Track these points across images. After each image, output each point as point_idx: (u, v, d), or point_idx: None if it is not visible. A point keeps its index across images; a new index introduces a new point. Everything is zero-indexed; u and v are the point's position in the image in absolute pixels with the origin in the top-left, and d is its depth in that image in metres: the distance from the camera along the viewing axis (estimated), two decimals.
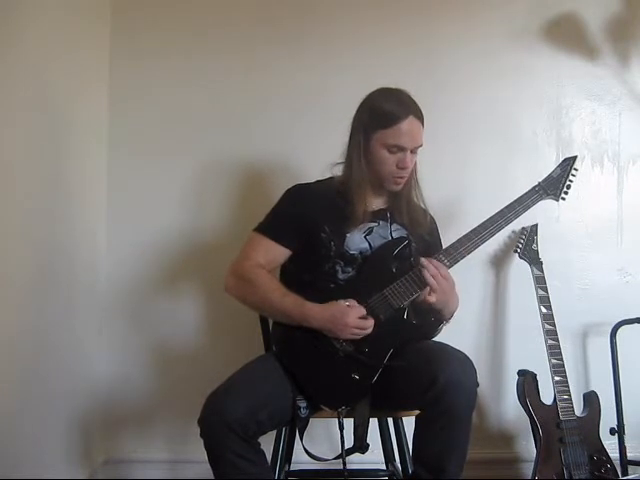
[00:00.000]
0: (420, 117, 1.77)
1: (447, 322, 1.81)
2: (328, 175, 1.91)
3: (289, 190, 1.89)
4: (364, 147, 1.77)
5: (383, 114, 1.75)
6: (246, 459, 1.53)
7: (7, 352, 1.77)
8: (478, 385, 1.60)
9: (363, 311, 1.70)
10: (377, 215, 1.85)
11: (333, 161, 1.88)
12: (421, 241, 1.86)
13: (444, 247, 1.81)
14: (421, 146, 1.80)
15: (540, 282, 2.24)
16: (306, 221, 1.80)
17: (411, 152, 1.77)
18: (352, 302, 1.70)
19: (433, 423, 1.58)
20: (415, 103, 1.78)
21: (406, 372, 1.64)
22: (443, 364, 1.56)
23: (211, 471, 1.58)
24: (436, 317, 1.77)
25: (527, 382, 2.12)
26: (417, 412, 1.67)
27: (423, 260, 1.71)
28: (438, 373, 1.54)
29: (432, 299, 1.68)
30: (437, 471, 1.60)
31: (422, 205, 1.90)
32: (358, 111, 1.83)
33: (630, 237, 2.43)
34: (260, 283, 1.76)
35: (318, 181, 1.91)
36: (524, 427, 2.22)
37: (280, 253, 1.83)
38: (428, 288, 1.69)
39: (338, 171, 1.88)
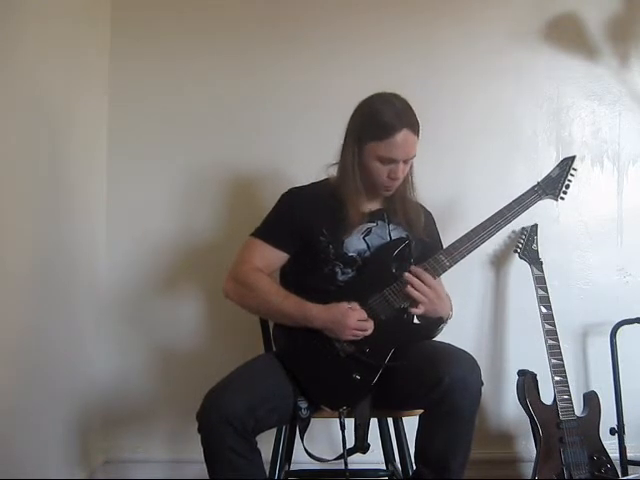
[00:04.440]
0: (414, 129, 1.73)
1: (445, 323, 1.81)
2: (324, 176, 1.91)
3: (284, 194, 1.89)
4: (358, 157, 1.77)
5: (378, 125, 1.72)
6: (242, 456, 1.53)
7: (7, 352, 1.77)
8: (483, 384, 1.60)
9: (364, 314, 1.70)
10: (374, 216, 1.85)
11: (332, 161, 1.87)
12: (420, 242, 1.86)
13: (444, 247, 1.81)
14: (414, 157, 1.78)
15: (540, 282, 2.24)
16: (303, 224, 1.81)
17: (404, 162, 1.76)
18: (354, 305, 1.70)
19: (437, 422, 1.59)
20: (410, 112, 1.74)
21: (410, 372, 1.64)
22: (449, 364, 1.57)
23: None
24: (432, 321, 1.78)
25: (527, 382, 2.12)
26: (419, 412, 1.68)
27: (405, 274, 1.71)
28: (444, 373, 1.54)
29: (419, 311, 1.70)
30: (440, 470, 1.60)
31: (416, 201, 1.89)
32: (353, 117, 1.81)
33: (630, 237, 2.43)
34: (260, 287, 1.76)
35: (313, 183, 1.92)
36: (524, 427, 2.22)
37: (277, 257, 1.83)
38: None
39: (333, 171, 1.88)
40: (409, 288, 1.70)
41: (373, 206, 1.87)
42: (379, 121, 1.72)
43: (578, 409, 2.16)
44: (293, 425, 1.77)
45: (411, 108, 1.75)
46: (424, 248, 1.86)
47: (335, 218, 1.79)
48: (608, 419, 2.18)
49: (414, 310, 1.70)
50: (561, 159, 1.93)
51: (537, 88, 2.44)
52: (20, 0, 1.82)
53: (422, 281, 1.70)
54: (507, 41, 2.42)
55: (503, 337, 2.41)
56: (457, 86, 2.41)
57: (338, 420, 1.67)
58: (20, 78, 1.81)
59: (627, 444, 2.18)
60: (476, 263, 2.37)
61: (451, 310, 1.82)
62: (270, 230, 1.84)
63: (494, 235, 1.80)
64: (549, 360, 2.14)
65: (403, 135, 1.71)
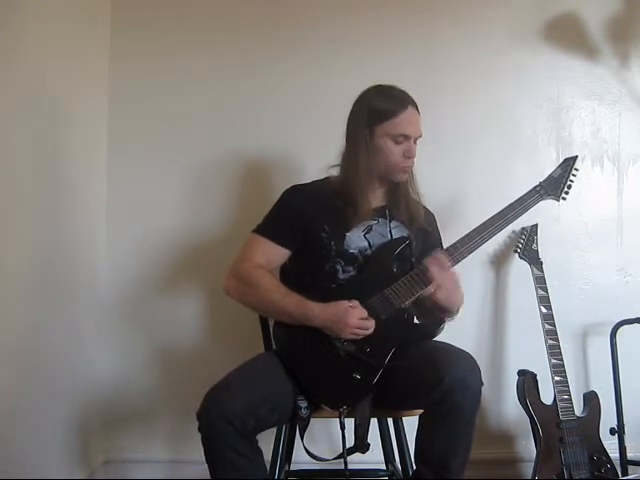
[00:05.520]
0: (417, 107, 1.81)
1: (452, 318, 1.80)
2: (324, 175, 1.91)
3: (286, 191, 1.90)
4: (370, 142, 1.78)
5: (384, 107, 1.77)
6: (242, 456, 1.53)
7: (7, 352, 1.77)
8: (483, 384, 1.60)
9: (365, 313, 1.70)
10: (376, 212, 1.85)
11: (332, 160, 1.88)
12: (421, 233, 1.87)
13: (445, 247, 1.82)
14: (421, 136, 1.81)
15: (540, 282, 2.24)
16: (305, 221, 1.81)
17: (414, 142, 1.80)
18: (355, 303, 1.70)
19: (438, 422, 1.59)
20: (409, 95, 1.81)
21: (410, 372, 1.64)
22: (449, 364, 1.57)
23: None
24: (441, 314, 1.77)
25: (527, 382, 2.12)
26: (419, 412, 1.68)
27: (429, 259, 1.73)
28: (444, 373, 1.54)
29: (438, 295, 1.70)
30: (441, 470, 1.60)
31: (418, 199, 1.90)
32: (354, 112, 1.83)
33: (630, 237, 2.43)
34: (261, 284, 1.76)
35: (314, 181, 1.92)
36: (524, 427, 2.22)
37: (279, 254, 1.83)
38: (433, 285, 1.70)
39: (334, 172, 1.88)
40: (431, 269, 1.70)
41: (376, 202, 1.87)
42: (384, 103, 1.78)
43: (578, 409, 2.16)
44: (293, 425, 1.77)
45: (407, 92, 1.82)
46: (425, 244, 1.87)
47: (337, 215, 1.80)
48: (608, 419, 2.18)
49: (434, 293, 1.69)
50: (563, 159, 1.93)
51: (537, 88, 2.44)
52: (20, 0, 1.82)
53: (442, 267, 1.71)
54: (507, 41, 2.42)
55: (503, 337, 2.41)
56: (457, 86, 2.40)
57: (338, 420, 1.67)
58: (20, 78, 1.81)
59: (627, 444, 2.18)
60: (476, 263, 2.37)
61: (462, 303, 1.81)
62: (272, 227, 1.84)
63: (495, 235, 1.80)
64: (549, 360, 2.14)
65: (410, 112, 1.78)
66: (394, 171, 1.82)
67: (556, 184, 1.87)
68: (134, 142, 2.40)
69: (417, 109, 1.81)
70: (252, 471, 1.56)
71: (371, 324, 1.69)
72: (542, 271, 2.26)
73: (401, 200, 1.86)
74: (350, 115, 1.84)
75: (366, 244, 1.80)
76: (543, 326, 2.18)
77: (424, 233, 1.88)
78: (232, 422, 1.50)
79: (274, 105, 2.39)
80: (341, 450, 1.68)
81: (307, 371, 1.69)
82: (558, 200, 1.88)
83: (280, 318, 1.78)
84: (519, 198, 1.83)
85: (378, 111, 1.77)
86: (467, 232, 1.78)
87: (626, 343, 2.28)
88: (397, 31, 2.40)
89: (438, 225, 2.00)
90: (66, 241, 2.12)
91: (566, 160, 1.91)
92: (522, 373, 2.16)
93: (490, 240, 1.80)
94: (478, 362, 1.61)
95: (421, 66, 2.39)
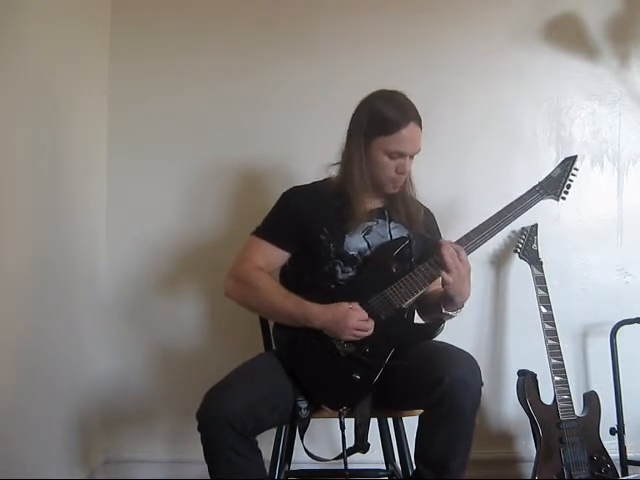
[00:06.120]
0: (419, 122, 1.77)
1: (455, 314, 1.78)
2: (324, 176, 1.91)
3: (286, 193, 1.89)
4: (365, 152, 1.77)
5: (384, 120, 1.74)
6: (242, 456, 1.53)
7: (7, 352, 1.77)
8: (483, 384, 1.60)
9: (365, 315, 1.70)
10: (375, 214, 1.85)
11: (332, 161, 1.88)
12: (420, 238, 1.87)
13: None
14: (419, 151, 1.80)
15: (540, 282, 2.24)
16: (304, 223, 1.81)
17: (410, 157, 1.78)
18: (355, 305, 1.70)
19: (438, 422, 1.59)
20: (414, 107, 1.77)
21: (410, 372, 1.64)
22: (449, 364, 1.57)
23: None
24: (446, 307, 1.76)
25: (527, 382, 2.12)
26: (419, 412, 1.68)
27: (443, 241, 1.72)
28: (444, 373, 1.54)
29: (449, 278, 1.68)
30: (441, 470, 1.60)
31: (417, 199, 1.90)
32: (356, 114, 1.82)
33: (630, 237, 2.43)
34: (260, 285, 1.76)
35: (315, 182, 1.92)
36: (524, 427, 2.22)
37: (279, 256, 1.83)
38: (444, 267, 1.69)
39: (334, 171, 1.88)
40: (444, 253, 1.68)
41: (374, 204, 1.86)
42: (386, 116, 1.74)
43: (578, 409, 2.16)
44: (293, 425, 1.77)
45: (412, 103, 1.78)
46: (425, 244, 1.87)
47: (336, 216, 1.80)
48: (608, 419, 2.18)
49: (445, 276, 1.68)
50: (562, 159, 1.93)
51: (537, 88, 2.44)
52: (20, 0, 1.82)
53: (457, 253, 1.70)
54: (507, 41, 2.42)
55: (503, 337, 2.41)
56: (457, 86, 2.40)
57: (338, 420, 1.67)
58: (20, 78, 1.81)
59: (627, 444, 2.18)
60: (476, 263, 2.33)
61: (468, 296, 1.78)
62: (271, 229, 1.84)
63: (495, 235, 1.80)
64: (549, 360, 2.14)
65: (410, 128, 1.74)
66: (385, 184, 1.81)
67: (556, 184, 1.87)
68: (134, 142, 2.41)
69: (419, 123, 1.76)
70: (251, 471, 1.56)
71: (370, 325, 1.69)
72: (542, 271, 2.26)
73: (399, 202, 1.86)
74: (352, 118, 1.83)
75: (365, 245, 1.80)
76: (543, 326, 2.18)
77: (423, 240, 1.87)
78: (232, 422, 1.50)
79: (274, 105, 2.39)
80: (341, 450, 1.68)
81: (307, 371, 1.69)
82: (558, 200, 1.88)
83: (280, 320, 1.78)
84: (518, 198, 1.82)
85: (376, 124, 1.75)
86: (466, 232, 1.78)
87: (626, 343, 2.28)
88: (397, 31, 2.40)
89: (438, 225, 2.00)
90: (66, 241, 2.12)
91: (566, 160, 1.91)
92: (522, 373, 2.16)
93: (490, 240, 1.80)
94: (478, 362, 1.61)
95: (421, 66, 2.39)
